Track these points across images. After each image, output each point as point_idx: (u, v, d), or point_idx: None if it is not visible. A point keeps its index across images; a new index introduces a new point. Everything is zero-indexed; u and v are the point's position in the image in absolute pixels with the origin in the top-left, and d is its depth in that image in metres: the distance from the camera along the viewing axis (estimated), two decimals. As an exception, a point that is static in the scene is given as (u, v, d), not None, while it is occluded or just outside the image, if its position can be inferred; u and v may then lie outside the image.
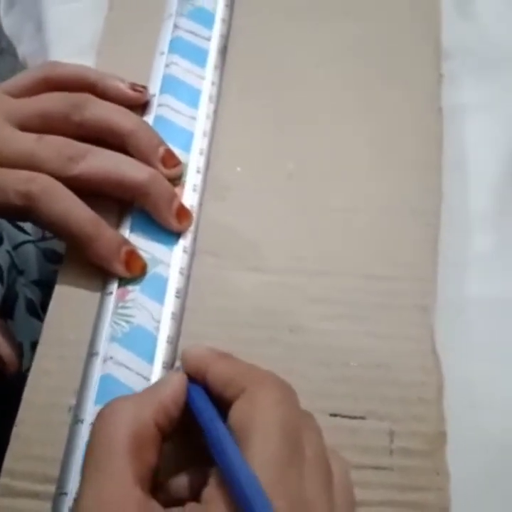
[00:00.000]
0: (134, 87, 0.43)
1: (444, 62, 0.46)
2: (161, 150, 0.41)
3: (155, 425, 0.30)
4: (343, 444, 0.35)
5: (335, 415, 0.36)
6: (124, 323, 0.37)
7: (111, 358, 0.36)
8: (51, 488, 0.34)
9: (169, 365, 0.37)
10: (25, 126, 0.40)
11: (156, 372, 0.36)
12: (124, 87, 0.43)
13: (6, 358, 0.41)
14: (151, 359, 0.36)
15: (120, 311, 0.38)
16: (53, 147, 0.39)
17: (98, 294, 0.39)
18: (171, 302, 0.38)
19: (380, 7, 0.48)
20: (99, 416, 0.31)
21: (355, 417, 0.36)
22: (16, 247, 0.56)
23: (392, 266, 0.40)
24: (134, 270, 0.38)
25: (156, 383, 0.33)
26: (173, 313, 0.38)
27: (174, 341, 0.38)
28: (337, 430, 0.36)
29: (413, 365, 0.37)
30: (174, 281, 0.39)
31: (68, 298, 0.39)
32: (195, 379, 0.32)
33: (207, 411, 0.30)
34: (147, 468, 0.29)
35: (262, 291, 0.39)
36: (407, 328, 0.38)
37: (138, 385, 0.36)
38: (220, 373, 0.31)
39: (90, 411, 0.35)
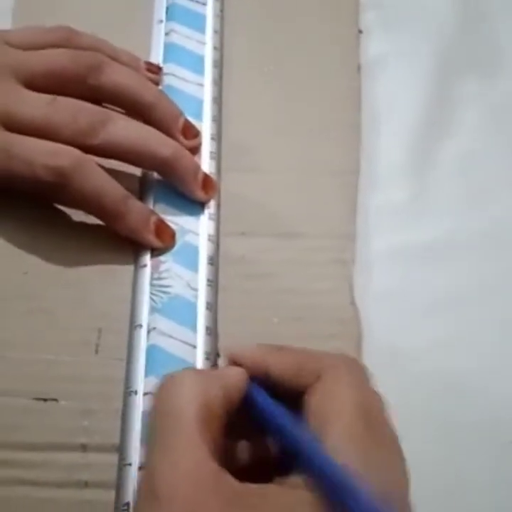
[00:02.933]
0: (150, 67, 0.43)
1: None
2: (181, 121, 0.41)
3: (221, 404, 0.28)
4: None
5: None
6: (162, 294, 0.38)
7: (154, 328, 0.37)
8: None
9: (213, 332, 0.38)
10: (33, 84, 0.38)
11: (201, 339, 0.37)
12: (142, 67, 0.43)
13: None
14: (194, 327, 0.37)
15: (156, 282, 0.38)
16: (69, 111, 0.37)
17: (132, 267, 0.39)
18: (204, 269, 0.39)
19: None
20: (163, 388, 0.29)
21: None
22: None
23: (311, 224, 0.41)
24: (165, 239, 0.39)
25: (219, 370, 0.33)
26: (208, 280, 0.39)
27: (213, 308, 0.38)
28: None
29: (332, 317, 0.38)
30: (205, 249, 0.39)
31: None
32: (254, 378, 0.30)
33: (276, 408, 0.29)
34: (216, 443, 0.27)
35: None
36: (325, 282, 0.39)
37: (185, 354, 0.36)
38: (287, 363, 0.30)
39: (142, 382, 0.36)
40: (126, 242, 0.39)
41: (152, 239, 0.39)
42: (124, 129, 0.38)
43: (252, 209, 0.41)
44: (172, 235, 0.39)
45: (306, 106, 0.45)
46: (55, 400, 0.36)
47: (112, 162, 0.39)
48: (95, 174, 0.37)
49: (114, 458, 0.34)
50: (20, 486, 0.34)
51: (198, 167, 0.40)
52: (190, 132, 0.41)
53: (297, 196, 0.42)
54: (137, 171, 0.41)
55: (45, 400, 0.35)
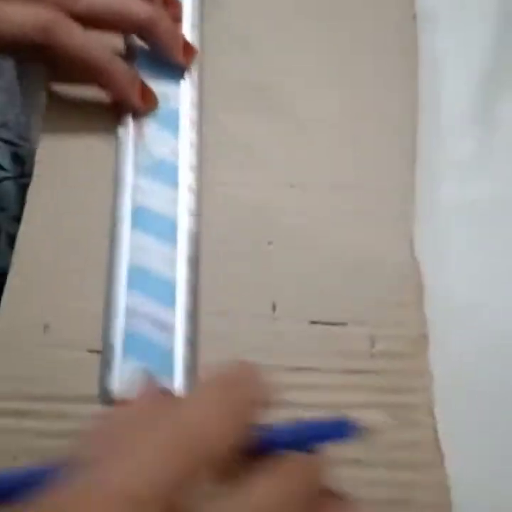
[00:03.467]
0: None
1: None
2: None
3: None
4: (325, 351, 0.35)
5: (315, 322, 0.36)
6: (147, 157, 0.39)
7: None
8: (27, 406, 0.34)
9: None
10: None
11: (182, 197, 0.38)
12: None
13: None
14: (175, 185, 0.39)
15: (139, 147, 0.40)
16: None
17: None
18: (186, 135, 0.40)
19: None
20: None
21: (335, 324, 0.36)
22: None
23: (367, 176, 0.39)
24: (149, 102, 0.40)
25: None
26: (191, 143, 0.40)
27: (196, 171, 0.39)
28: (318, 337, 0.36)
29: (392, 270, 0.37)
30: (186, 114, 0.40)
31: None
32: None
33: None
34: None
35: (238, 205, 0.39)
36: (385, 234, 0.38)
37: (169, 211, 0.38)
38: None
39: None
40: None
41: (137, 101, 0.40)
42: None
43: (303, 161, 0.40)
44: (155, 99, 0.40)
45: (359, 56, 0.43)
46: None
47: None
48: (79, 31, 0.38)
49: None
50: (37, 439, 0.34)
51: (177, 32, 0.41)
52: (171, 2, 0.42)
53: (352, 148, 0.40)
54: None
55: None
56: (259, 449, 0.23)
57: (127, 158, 0.39)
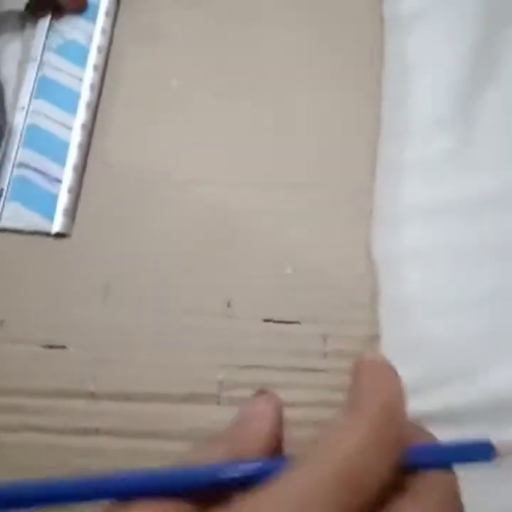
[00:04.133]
0: None
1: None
2: None
3: None
4: (277, 348, 0.35)
5: (268, 320, 0.36)
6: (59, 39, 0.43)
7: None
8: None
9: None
10: None
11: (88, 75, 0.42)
12: None
13: None
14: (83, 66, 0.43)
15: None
16: None
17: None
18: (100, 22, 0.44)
19: None
20: None
21: (288, 322, 0.36)
22: None
23: (327, 175, 0.40)
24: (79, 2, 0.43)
25: None
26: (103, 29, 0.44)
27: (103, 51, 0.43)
28: (270, 335, 0.36)
29: (347, 271, 0.37)
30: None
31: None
32: None
33: None
34: None
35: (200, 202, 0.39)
36: (342, 235, 0.38)
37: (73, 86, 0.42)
38: None
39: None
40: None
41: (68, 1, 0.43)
42: None
43: (262, 160, 0.40)
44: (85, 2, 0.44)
45: (326, 57, 0.43)
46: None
47: None
48: None
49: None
50: (28, 432, 0.34)
51: None
52: None
53: (312, 149, 0.40)
54: None
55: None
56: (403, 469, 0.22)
57: (40, 36, 0.43)
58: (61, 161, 0.40)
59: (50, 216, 0.38)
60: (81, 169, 0.40)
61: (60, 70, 0.42)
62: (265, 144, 0.41)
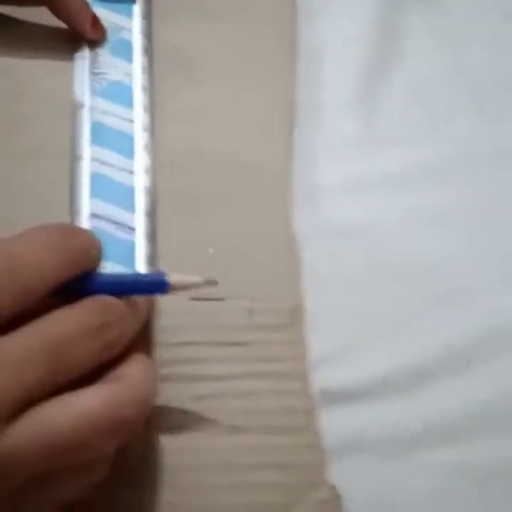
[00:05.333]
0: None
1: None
2: None
3: None
4: (203, 324, 0.37)
5: (195, 299, 0.37)
6: (102, 81, 0.41)
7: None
8: None
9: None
10: None
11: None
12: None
13: None
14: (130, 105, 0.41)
15: (95, 70, 0.42)
16: None
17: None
18: (139, 60, 0.42)
19: None
20: None
21: (214, 299, 0.38)
22: None
23: (246, 156, 0.41)
24: (99, 32, 0.42)
25: None
26: (143, 67, 0.42)
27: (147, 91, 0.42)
28: (196, 312, 0.37)
29: (268, 247, 0.39)
30: (139, 42, 0.43)
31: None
32: None
33: None
34: None
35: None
36: (261, 211, 0.40)
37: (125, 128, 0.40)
38: None
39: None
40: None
41: (89, 28, 0.41)
42: None
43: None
44: (104, 29, 0.42)
45: (237, 47, 0.44)
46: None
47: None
48: None
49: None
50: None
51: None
52: None
53: (230, 133, 0.41)
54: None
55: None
56: (80, 294, 0.27)
57: (84, 80, 0.41)
58: (130, 207, 0.37)
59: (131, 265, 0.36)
60: (153, 214, 0.38)
61: (109, 113, 0.40)
62: (180, 128, 0.41)
